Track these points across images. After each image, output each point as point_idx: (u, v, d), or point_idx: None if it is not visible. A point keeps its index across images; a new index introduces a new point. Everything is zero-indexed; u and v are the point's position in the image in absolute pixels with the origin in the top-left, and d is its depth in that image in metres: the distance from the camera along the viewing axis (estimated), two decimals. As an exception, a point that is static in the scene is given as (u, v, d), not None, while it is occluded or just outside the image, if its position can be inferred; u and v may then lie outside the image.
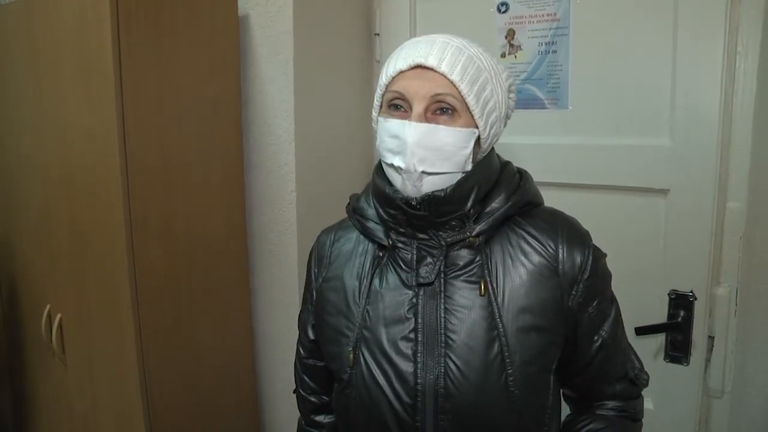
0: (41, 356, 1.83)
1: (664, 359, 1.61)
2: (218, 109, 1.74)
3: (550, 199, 1.68)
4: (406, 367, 0.99)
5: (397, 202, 0.99)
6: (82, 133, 1.55)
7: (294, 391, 1.29)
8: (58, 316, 1.69)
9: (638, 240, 1.62)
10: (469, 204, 1.00)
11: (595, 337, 1.05)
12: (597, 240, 1.67)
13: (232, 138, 1.80)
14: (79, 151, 1.57)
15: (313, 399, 1.24)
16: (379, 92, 1.04)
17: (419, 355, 0.99)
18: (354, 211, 1.13)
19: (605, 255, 1.08)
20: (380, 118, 1.02)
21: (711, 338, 1.56)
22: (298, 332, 1.26)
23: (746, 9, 1.42)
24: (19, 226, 1.83)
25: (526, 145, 1.74)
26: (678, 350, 1.59)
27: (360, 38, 1.98)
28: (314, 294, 1.17)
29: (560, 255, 1.02)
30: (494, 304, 0.99)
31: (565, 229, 1.05)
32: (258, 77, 1.82)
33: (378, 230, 1.06)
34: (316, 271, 1.18)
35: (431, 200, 0.97)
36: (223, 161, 1.77)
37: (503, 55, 1.77)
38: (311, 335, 1.19)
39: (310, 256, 1.21)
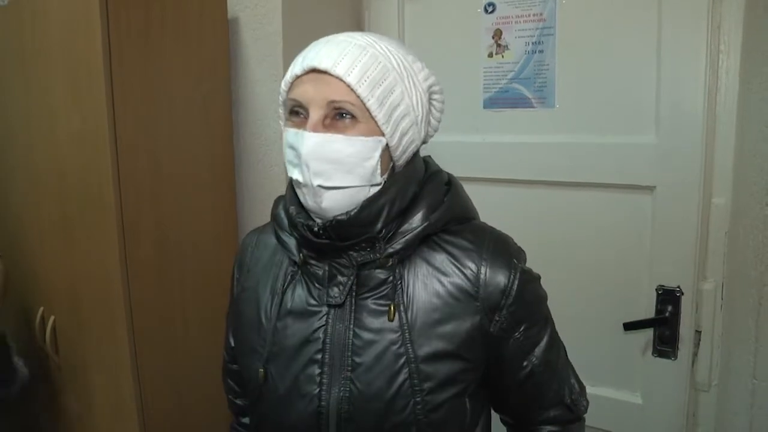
0: (35, 358, 1.83)
1: (653, 354, 1.63)
2: (208, 111, 1.74)
3: (538, 198, 1.73)
4: (311, 388, 0.95)
5: (299, 228, 0.93)
6: (72, 136, 1.55)
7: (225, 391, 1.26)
8: (52, 318, 1.69)
9: (625, 236, 1.64)
10: (379, 225, 0.92)
11: (525, 363, 0.99)
12: (584, 237, 1.69)
13: (223, 139, 1.81)
14: (69, 153, 1.57)
15: (238, 402, 1.20)
16: (280, 99, 0.96)
17: (325, 376, 0.94)
18: (272, 217, 1.06)
19: (538, 277, 1.01)
20: (283, 128, 0.95)
21: (698, 333, 1.58)
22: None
23: (728, 8, 1.45)
24: (11, 230, 1.84)
25: (513, 144, 1.76)
26: (666, 345, 1.61)
27: (349, 39, 1.99)
28: (234, 302, 1.12)
29: (482, 278, 0.94)
30: (404, 327, 0.93)
31: (490, 250, 0.96)
32: (248, 79, 1.83)
33: (291, 243, 0.99)
34: (237, 276, 1.11)
35: (333, 226, 0.90)
36: (214, 162, 1.78)
37: (490, 55, 1.79)
38: (231, 342, 1.15)
39: (235, 258, 1.14)
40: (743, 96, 1.44)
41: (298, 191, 0.93)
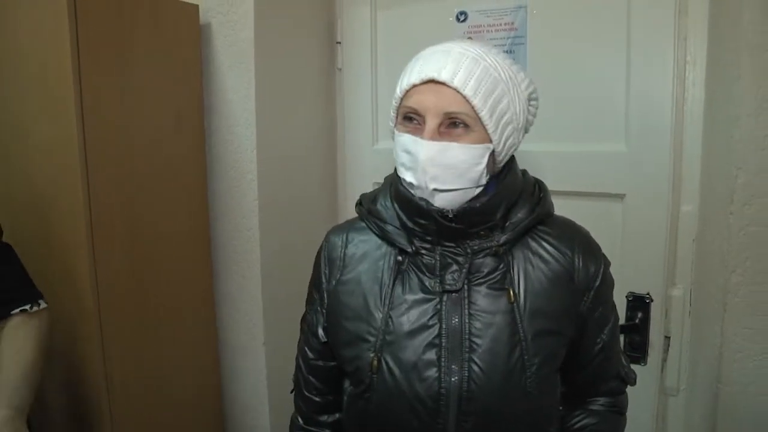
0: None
1: (623, 360, 1.65)
2: (181, 119, 1.73)
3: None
4: (431, 372, 1.00)
5: (432, 214, 0.99)
6: (43, 144, 1.54)
7: (291, 392, 1.27)
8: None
9: None
10: (499, 214, 1.02)
11: (598, 340, 1.10)
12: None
13: (196, 147, 1.80)
14: (40, 161, 1.56)
15: (317, 399, 1.22)
16: (394, 104, 1.04)
17: (443, 360, 1.00)
18: (370, 213, 1.12)
19: (610, 263, 1.12)
20: (395, 131, 1.03)
21: (667, 338, 1.59)
22: (301, 334, 1.24)
23: (693, 20, 1.47)
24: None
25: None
26: (636, 351, 1.63)
27: (322, 47, 1.99)
28: (326, 296, 1.15)
29: (576, 263, 1.06)
30: (516, 309, 1.01)
31: (581, 239, 1.09)
32: (220, 86, 1.81)
33: (399, 235, 1.06)
34: (327, 272, 1.15)
35: (466, 213, 0.99)
36: (187, 170, 1.77)
37: (463, 64, 1.79)
38: (322, 337, 1.17)
39: (319, 256, 1.19)
40: (709, 105, 1.46)
41: (410, 189, 1.01)
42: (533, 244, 1.06)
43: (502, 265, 1.03)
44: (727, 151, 1.36)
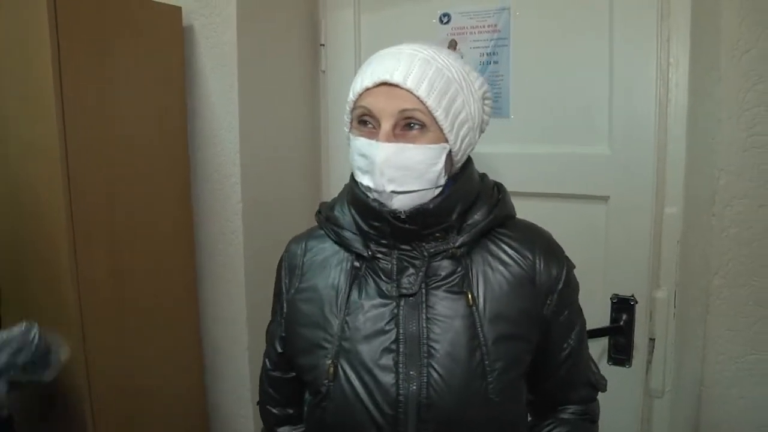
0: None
1: (608, 362, 1.64)
2: (164, 122, 1.72)
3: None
4: (388, 378, 0.98)
5: (385, 215, 0.98)
6: (24, 147, 1.53)
7: (258, 403, 1.27)
8: (0, 334, 1.65)
9: (580, 246, 1.62)
10: (454, 216, 1.01)
11: (564, 345, 1.08)
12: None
13: (179, 150, 1.79)
14: (21, 164, 1.55)
15: (276, 411, 1.21)
16: (347, 108, 1.02)
17: (401, 365, 0.98)
18: (327, 220, 1.11)
19: (574, 266, 1.11)
20: (351, 135, 1.02)
21: (652, 340, 1.59)
22: (266, 344, 1.24)
23: (675, 22, 1.47)
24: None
25: (469, 154, 1.77)
26: (621, 353, 1.62)
27: (305, 49, 1.98)
28: (285, 306, 1.14)
29: (537, 266, 1.04)
30: (476, 313, 0.99)
31: (542, 242, 1.08)
32: (203, 89, 1.80)
33: (356, 240, 1.05)
34: (287, 281, 1.14)
35: (419, 213, 0.97)
36: (170, 174, 1.75)
37: (447, 66, 1.79)
38: (279, 348, 1.16)
39: (280, 265, 1.18)
40: (692, 107, 1.46)
41: (368, 193, 1.00)
42: (493, 247, 1.04)
43: (460, 268, 1.01)
44: (710, 152, 1.36)
